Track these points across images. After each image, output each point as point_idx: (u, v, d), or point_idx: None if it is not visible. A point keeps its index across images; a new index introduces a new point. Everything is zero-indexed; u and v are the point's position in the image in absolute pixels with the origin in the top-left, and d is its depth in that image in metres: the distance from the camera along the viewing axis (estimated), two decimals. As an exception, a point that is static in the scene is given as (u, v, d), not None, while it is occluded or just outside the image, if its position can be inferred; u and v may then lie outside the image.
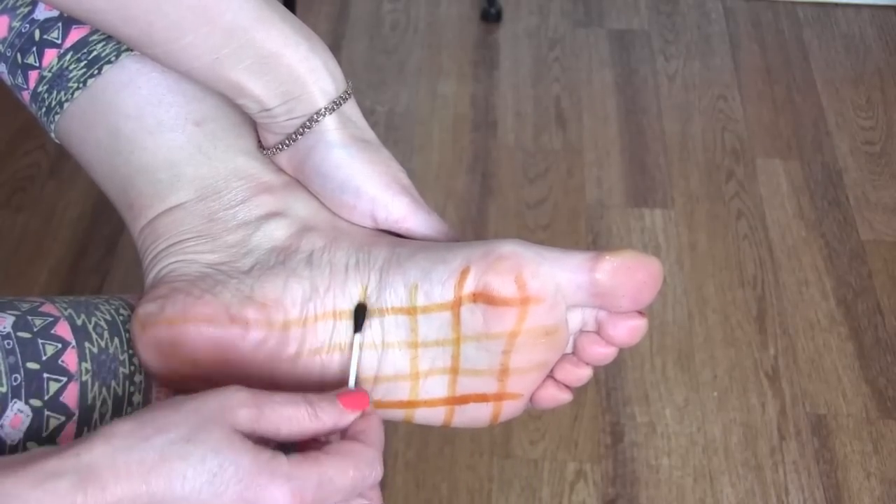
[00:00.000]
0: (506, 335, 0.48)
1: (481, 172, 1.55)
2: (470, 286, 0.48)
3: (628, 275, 0.48)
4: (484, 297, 0.48)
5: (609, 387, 1.28)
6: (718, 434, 1.24)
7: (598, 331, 0.50)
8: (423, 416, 0.52)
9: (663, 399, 1.27)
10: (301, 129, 0.51)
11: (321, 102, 0.50)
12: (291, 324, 0.49)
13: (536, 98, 1.68)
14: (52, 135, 0.55)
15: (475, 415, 0.51)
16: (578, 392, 1.26)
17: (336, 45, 1.76)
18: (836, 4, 1.90)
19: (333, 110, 0.50)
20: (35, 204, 1.47)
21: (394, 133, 1.61)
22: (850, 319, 1.37)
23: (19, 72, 0.54)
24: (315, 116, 0.50)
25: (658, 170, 1.57)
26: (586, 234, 1.47)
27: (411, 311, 0.49)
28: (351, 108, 0.52)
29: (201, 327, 0.49)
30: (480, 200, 1.51)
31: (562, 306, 0.48)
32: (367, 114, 1.62)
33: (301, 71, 0.49)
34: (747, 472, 1.20)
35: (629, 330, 0.49)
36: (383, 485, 1.17)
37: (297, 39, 0.49)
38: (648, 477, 1.20)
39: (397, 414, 0.52)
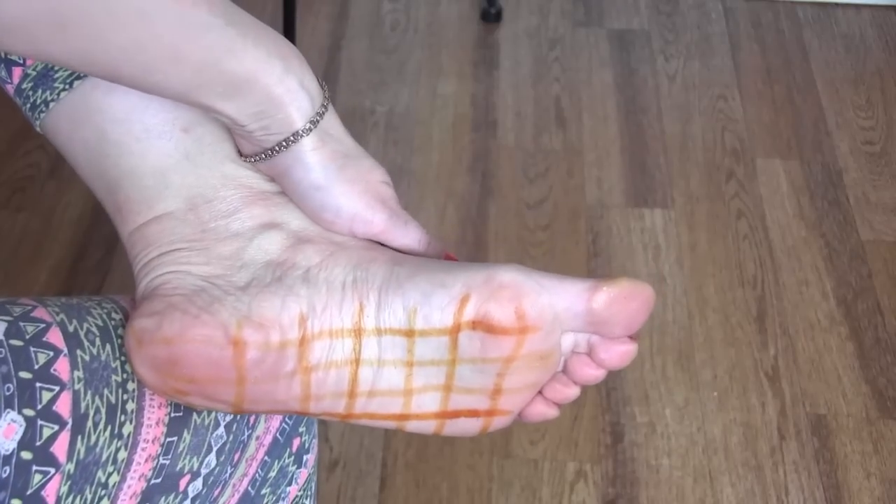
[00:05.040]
0: (502, 360, 0.49)
1: (481, 172, 1.55)
2: (470, 314, 0.48)
3: (624, 304, 0.49)
4: (483, 326, 0.48)
5: (609, 387, 1.28)
6: (718, 434, 1.24)
7: (590, 353, 0.51)
8: (414, 426, 0.53)
9: (663, 399, 1.27)
10: (278, 147, 0.50)
11: (299, 123, 0.49)
12: (288, 344, 0.49)
13: (536, 98, 1.68)
14: (38, 129, 0.55)
15: (465, 427, 0.53)
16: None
17: (336, 45, 1.76)
18: (836, 4, 1.90)
19: (311, 130, 0.50)
20: (35, 204, 1.47)
21: (394, 133, 1.61)
22: (850, 319, 1.37)
23: (2, 65, 0.53)
24: (292, 137, 0.49)
25: (658, 170, 1.57)
26: (586, 234, 1.47)
27: (409, 334, 0.50)
28: (329, 120, 0.51)
29: (199, 348, 0.49)
30: (480, 200, 1.51)
31: (557, 332, 0.50)
32: (367, 114, 1.62)
33: (277, 93, 0.48)
34: (747, 472, 1.20)
35: (621, 355, 0.50)
36: (383, 485, 1.17)
37: (272, 62, 0.48)
38: (648, 477, 1.20)
39: (389, 424, 0.53)
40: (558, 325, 0.49)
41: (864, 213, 1.51)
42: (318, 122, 0.50)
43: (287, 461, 0.62)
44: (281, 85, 0.48)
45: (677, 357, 1.31)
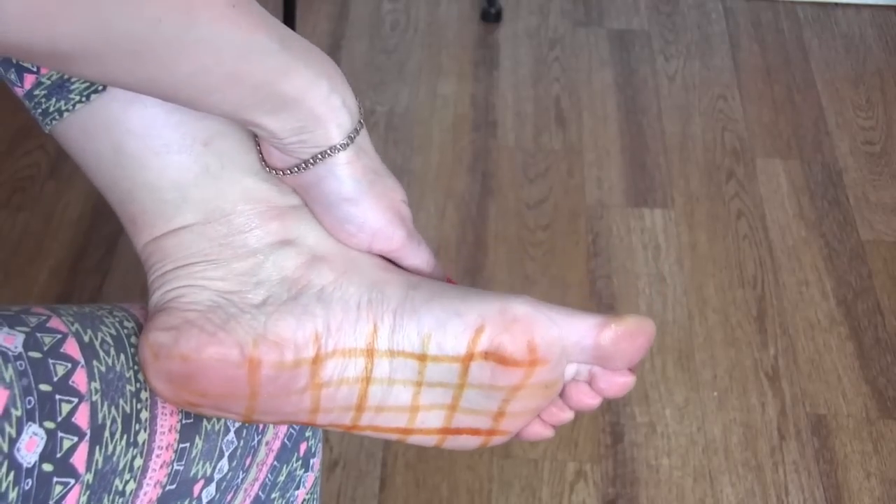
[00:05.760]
0: (509, 388, 0.51)
1: (481, 172, 1.55)
2: (483, 344, 0.50)
3: (629, 341, 0.51)
4: (496, 356, 0.50)
5: (609, 387, 1.28)
6: (718, 434, 1.24)
7: (590, 382, 0.53)
8: (416, 440, 0.54)
9: (663, 399, 1.27)
10: (313, 160, 0.50)
11: (337, 138, 0.50)
12: (302, 362, 0.50)
13: (536, 98, 1.69)
14: (46, 131, 0.54)
15: (465, 443, 0.54)
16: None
17: (336, 45, 1.76)
18: (836, 4, 1.90)
19: (347, 145, 0.50)
20: (35, 204, 1.47)
21: (394, 133, 1.61)
22: (850, 319, 1.37)
23: (13, 69, 0.52)
24: (329, 151, 0.50)
25: (658, 170, 1.57)
26: (586, 234, 1.47)
27: (422, 358, 0.51)
28: (363, 136, 0.52)
29: (215, 365, 0.49)
30: (480, 200, 1.51)
31: (563, 364, 0.51)
32: (368, 114, 1.62)
33: (321, 111, 0.49)
34: (747, 472, 1.20)
35: (620, 386, 0.52)
36: (383, 485, 1.17)
37: (320, 82, 0.48)
38: (648, 477, 1.20)
39: (392, 436, 0.54)
40: (565, 357, 0.51)
41: (864, 213, 1.51)
42: (354, 137, 0.51)
43: (295, 465, 0.63)
44: (326, 104, 0.49)
45: (677, 357, 1.32)
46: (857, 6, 1.90)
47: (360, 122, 0.51)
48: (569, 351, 0.51)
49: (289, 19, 1.65)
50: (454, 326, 0.50)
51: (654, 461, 1.21)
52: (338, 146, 0.50)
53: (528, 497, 1.17)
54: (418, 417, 0.52)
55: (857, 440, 1.24)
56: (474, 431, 0.53)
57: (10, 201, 1.47)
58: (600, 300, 1.38)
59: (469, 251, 1.44)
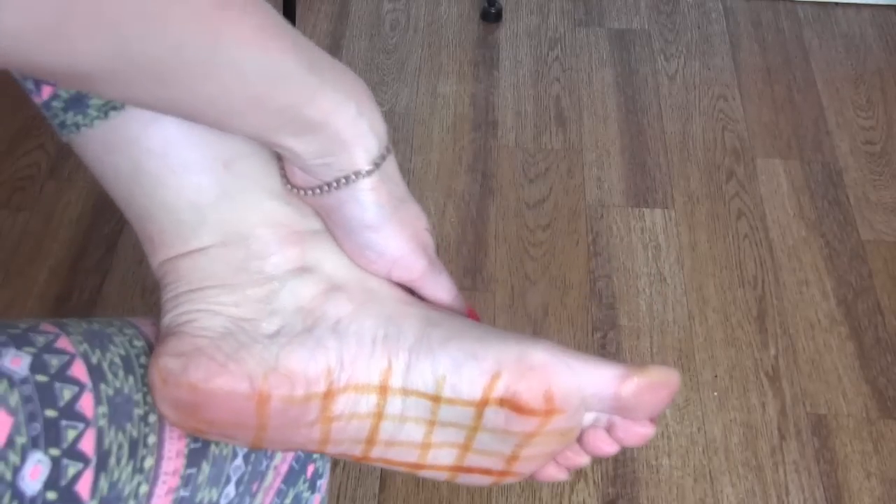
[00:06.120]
0: (524, 434, 0.50)
1: (481, 172, 1.55)
2: (499, 391, 0.49)
3: (652, 393, 0.49)
4: (511, 404, 0.49)
5: (609, 387, 1.28)
6: (718, 434, 1.24)
7: (609, 430, 0.51)
8: (426, 474, 0.53)
9: (663, 399, 1.27)
10: (336, 183, 0.49)
11: (362, 164, 0.49)
12: (313, 397, 0.49)
13: (536, 98, 1.68)
14: (64, 141, 0.53)
15: (476, 481, 0.53)
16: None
17: (336, 45, 1.76)
18: (837, 4, 1.90)
19: (372, 172, 0.49)
20: (35, 204, 1.47)
21: (394, 133, 1.61)
22: (851, 319, 1.37)
23: (31, 78, 0.51)
24: (353, 175, 0.49)
25: (658, 170, 1.57)
26: (586, 234, 1.47)
27: (436, 399, 0.50)
28: (389, 162, 0.50)
29: (224, 397, 0.49)
30: (480, 200, 1.51)
31: (581, 413, 0.50)
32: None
33: (346, 135, 0.48)
34: (747, 472, 1.20)
35: (640, 436, 0.51)
36: (383, 485, 1.17)
37: (347, 105, 0.47)
38: (648, 477, 1.20)
39: (402, 469, 0.53)
40: (584, 406, 0.50)
41: (864, 213, 1.51)
42: (380, 164, 0.49)
43: (302, 488, 0.62)
44: (352, 128, 0.48)
45: (677, 357, 1.31)
46: (857, 6, 1.89)
47: (387, 147, 0.50)
48: (588, 401, 0.49)
49: (289, 19, 1.65)
50: (470, 370, 0.49)
51: (655, 461, 1.21)
52: (363, 172, 0.49)
53: (528, 497, 1.17)
54: (430, 454, 0.52)
55: (858, 440, 1.23)
56: (486, 472, 0.52)
57: (10, 201, 1.47)
58: (600, 300, 1.38)
59: (469, 251, 1.44)
